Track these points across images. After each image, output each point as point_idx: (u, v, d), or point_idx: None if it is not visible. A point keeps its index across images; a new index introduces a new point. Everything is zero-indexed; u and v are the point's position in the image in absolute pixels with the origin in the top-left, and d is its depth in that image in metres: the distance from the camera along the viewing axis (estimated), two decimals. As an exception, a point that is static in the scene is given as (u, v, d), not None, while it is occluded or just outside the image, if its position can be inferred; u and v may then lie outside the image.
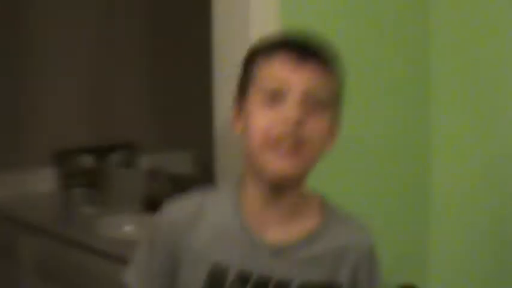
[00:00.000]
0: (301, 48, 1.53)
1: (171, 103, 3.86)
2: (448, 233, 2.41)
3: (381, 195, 2.33)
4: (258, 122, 1.49)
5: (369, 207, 2.28)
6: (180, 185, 3.21)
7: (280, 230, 1.57)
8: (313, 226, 1.60)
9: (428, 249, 2.46)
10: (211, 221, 1.57)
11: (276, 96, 1.49)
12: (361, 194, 2.27)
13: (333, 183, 2.08)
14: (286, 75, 1.49)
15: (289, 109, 1.47)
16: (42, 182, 3.54)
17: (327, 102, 1.53)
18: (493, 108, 2.27)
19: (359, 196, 2.26)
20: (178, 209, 1.62)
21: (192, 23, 3.78)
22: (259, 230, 1.56)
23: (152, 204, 2.99)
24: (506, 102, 2.24)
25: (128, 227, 3.04)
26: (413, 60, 2.37)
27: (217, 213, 1.59)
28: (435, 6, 2.37)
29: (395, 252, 2.35)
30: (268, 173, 1.50)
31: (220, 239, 1.57)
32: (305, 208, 1.60)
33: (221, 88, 2.08)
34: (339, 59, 1.59)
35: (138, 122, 3.79)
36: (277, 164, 1.48)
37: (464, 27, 2.33)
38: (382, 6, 2.31)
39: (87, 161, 3.54)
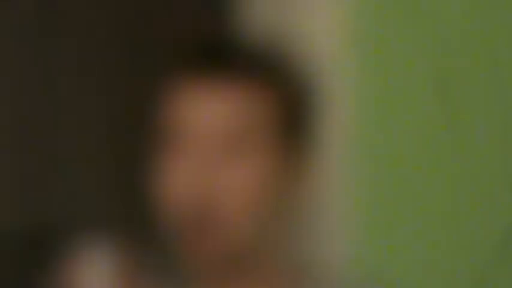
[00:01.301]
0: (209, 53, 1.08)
1: None
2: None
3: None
4: (166, 184, 1.08)
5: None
6: None
7: None
8: None
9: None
10: None
11: (174, 143, 1.08)
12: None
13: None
14: (177, 107, 1.07)
15: (186, 166, 1.06)
16: None
17: (259, 133, 1.06)
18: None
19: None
20: None
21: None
22: None
23: None
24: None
25: None
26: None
27: None
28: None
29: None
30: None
31: None
32: None
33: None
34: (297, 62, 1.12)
35: None
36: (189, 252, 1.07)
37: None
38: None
39: None
